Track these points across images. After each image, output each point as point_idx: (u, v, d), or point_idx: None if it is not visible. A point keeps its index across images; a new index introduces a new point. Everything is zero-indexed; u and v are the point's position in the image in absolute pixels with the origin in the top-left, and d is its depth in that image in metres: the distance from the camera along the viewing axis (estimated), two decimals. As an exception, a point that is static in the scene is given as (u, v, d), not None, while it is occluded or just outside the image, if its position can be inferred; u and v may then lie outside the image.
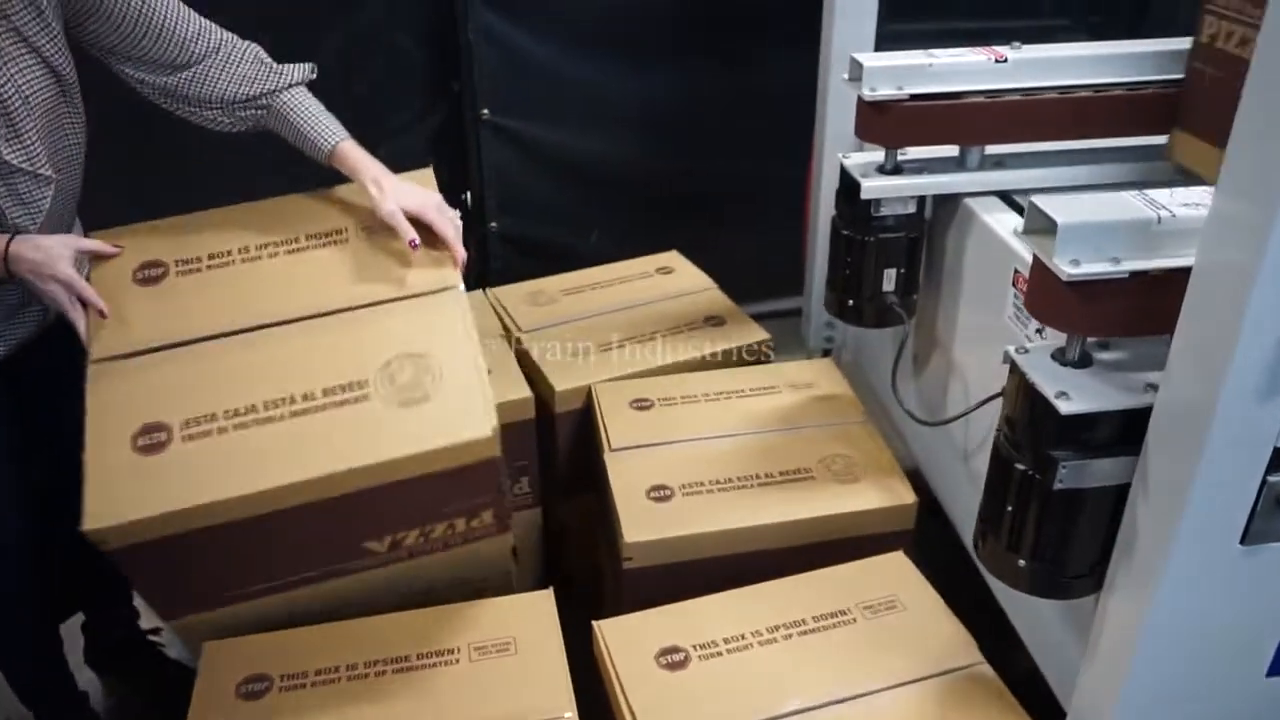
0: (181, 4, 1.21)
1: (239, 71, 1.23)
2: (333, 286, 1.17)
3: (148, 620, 1.64)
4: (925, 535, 1.47)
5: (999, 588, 1.33)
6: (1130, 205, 0.88)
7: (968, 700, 1.09)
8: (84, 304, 1.13)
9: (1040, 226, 0.89)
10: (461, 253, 1.23)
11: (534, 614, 1.18)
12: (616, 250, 2.02)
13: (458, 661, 1.12)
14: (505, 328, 1.78)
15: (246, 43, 1.25)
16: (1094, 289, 0.86)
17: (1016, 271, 1.22)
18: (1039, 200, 0.89)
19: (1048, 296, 0.90)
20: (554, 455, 1.65)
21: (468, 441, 1.05)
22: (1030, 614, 1.25)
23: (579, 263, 1.98)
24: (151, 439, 1.02)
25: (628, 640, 1.18)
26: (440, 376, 1.08)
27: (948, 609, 1.21)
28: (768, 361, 1.74)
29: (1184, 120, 1.21)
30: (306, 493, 1.02)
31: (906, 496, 1.37)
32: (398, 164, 2.03)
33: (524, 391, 1.59)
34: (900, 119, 1.28)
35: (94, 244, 1.21)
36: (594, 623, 1.21)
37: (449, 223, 1.24)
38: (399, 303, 1.15)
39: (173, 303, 1.15)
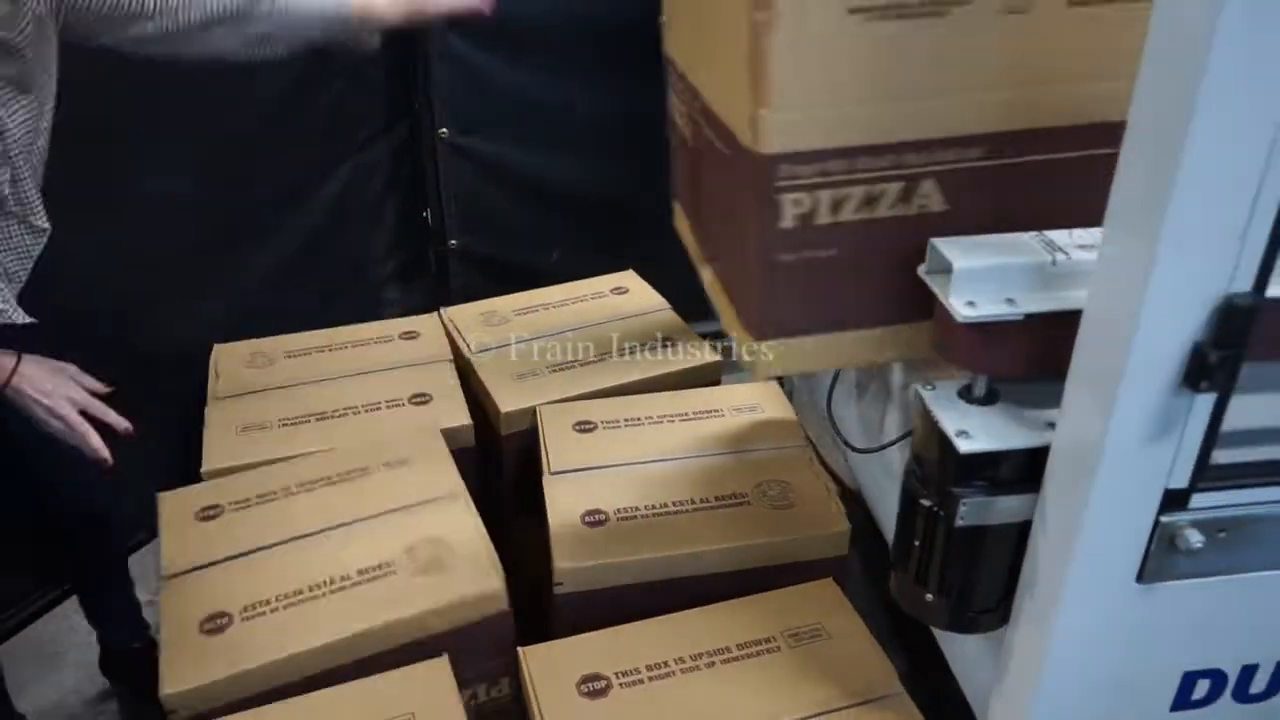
0: None
1: None
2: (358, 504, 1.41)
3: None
4: (870, 558, 1.48)
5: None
6: (1027, 246, 0.88)
7: (884, 730, 1.10)
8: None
9: (939, 267, 0.90)
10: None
11: (430, 684, 1.17)
12: (577, 268, 2.03)
13: None
14: (456, 349, 1.78)
15: None
16: (991, 329, 0.87)
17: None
18: (938, 241, 0.89)
19: (949, 335, 0.90)
20: (501, 477, 1.65)
21: (481, 594, 1.26)
22: (955, 642, 1.25)
23: (539, 281, 1.99)
24: (215, 624, 1.21)
25: (551, 668, 1.18)
26: (452, 552, 1.31)
27: (871, 638, 1.22)
28: (716, 384, 1.75)
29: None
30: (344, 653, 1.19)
31: (840, 524, 1.38)
32: (362, 181, 2.05)
33: (464, 419, 1.59)
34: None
35: (93, 383, 1.22)
36: (519, 649, 1.21)
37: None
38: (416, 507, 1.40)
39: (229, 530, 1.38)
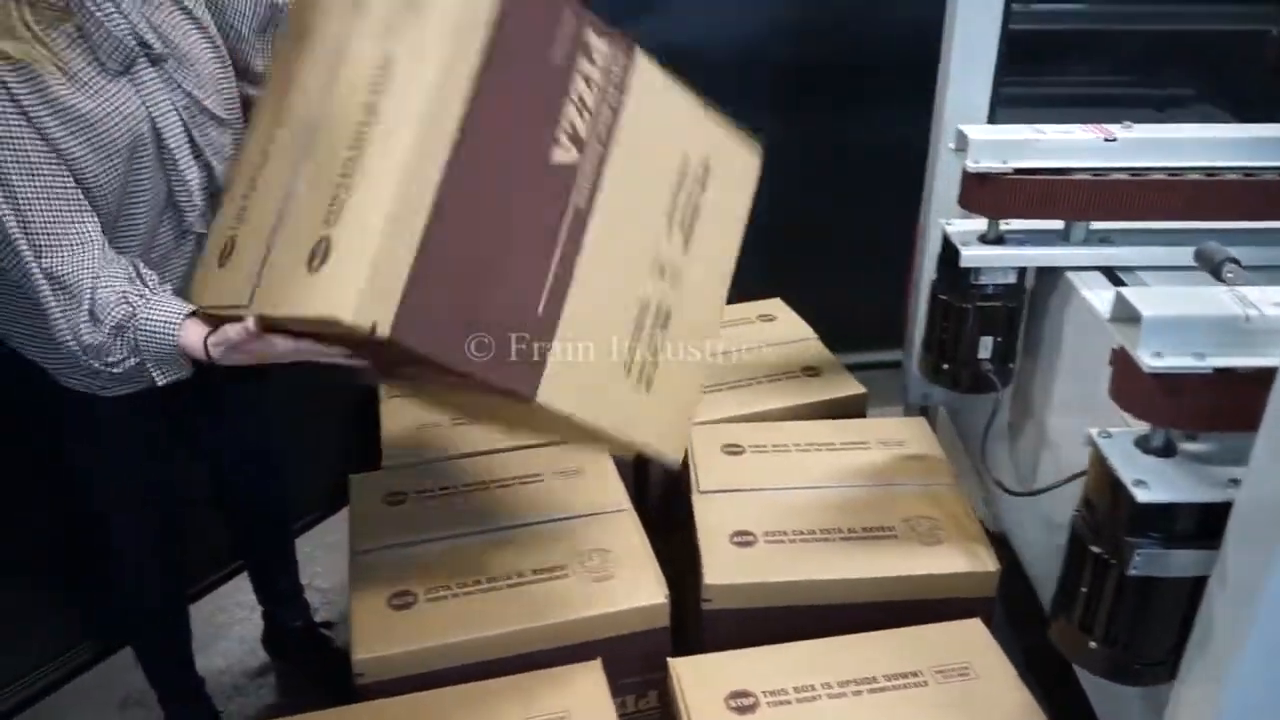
0: None
1: None
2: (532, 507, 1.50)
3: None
4: (1012, 602, 1.47)
5: (1078, 666, 1.33)
6: (1219, 301, 0.89)
7: (1032, 774, 1.10)
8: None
9: (1126, 315, 0.91)
10: None
11: (586, 685, 1.22)
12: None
13: None
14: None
15: None
16: (1177, 382, 0.88)
17: (1115, 352, 1.22)
18: (1127, 292, 0.90)
19: (1131, 385, 0.91)
20: (647, 493, 1.70)
21: (645, 606, 1.32)
22: (1109, 696, 1.24)
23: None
24: (402, 600, 1.31)
25: (701, 680, 1.22)
26: (620, 562, 1.37)
27: (1020, 681, 1.22)
28: (861, 415, 1.76)
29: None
30: (512, 645, 1.27)
31: (989, 564, 1.38)
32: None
33: (621, 429, 1.66)
34: (1003, 191, 1.30)
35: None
36: (669, 660, 1.26)
37: None
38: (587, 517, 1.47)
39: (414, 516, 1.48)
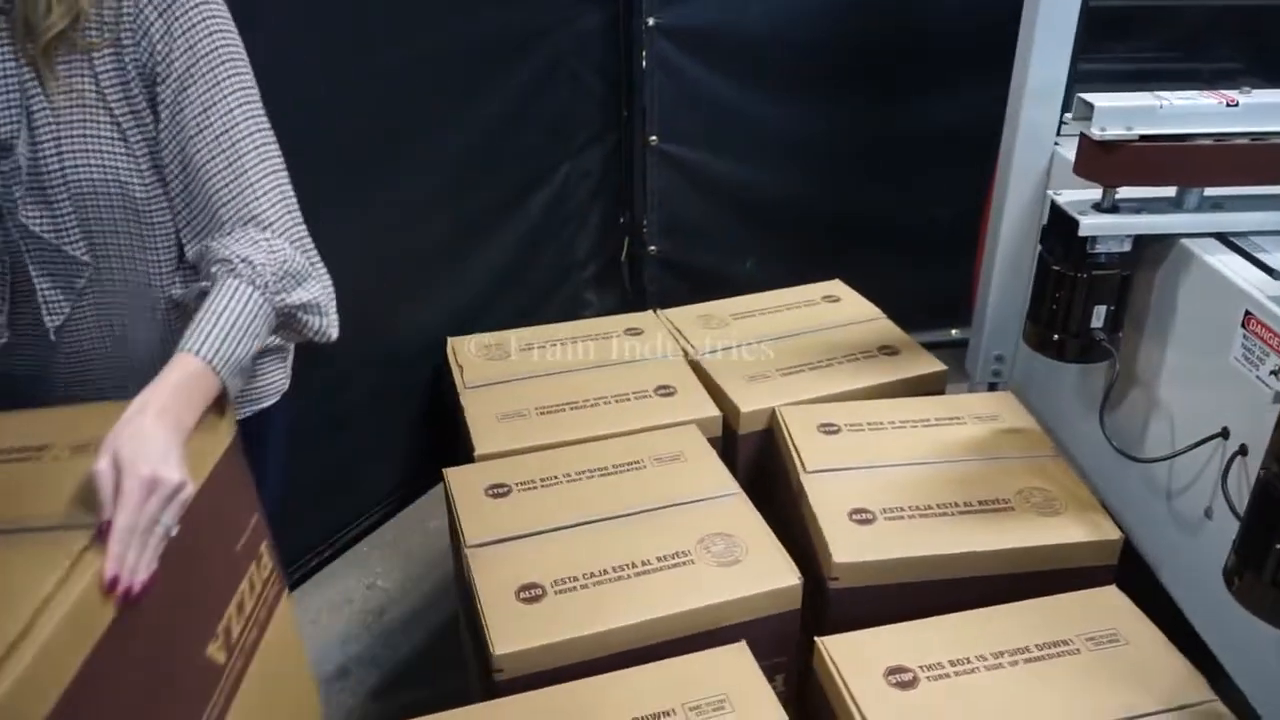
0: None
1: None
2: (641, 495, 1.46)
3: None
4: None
5: (1208, 625, 1.33)
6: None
7: (1209, 736, 1.10)
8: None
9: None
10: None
11: (737, 666, 1.20)
12: (771, 279, 2.05)
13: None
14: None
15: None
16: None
17: (1248, 313, 1.23)
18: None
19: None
20: (735, 477, 1.67)
21: (777, 589, 1.29)
22: (1249, 655, 1.24)
23: (732, 290, 2.02)
24: (531, 593, 1.27)
25: (855, 658, 1.20)
26: (744, 546, 1.34)
27: (1170, 645, 1.22)
28: (941, 393, 1.76)
29: None
30: (648, 634, 1.23)
31: (1112, 532, 1.38)
32: (575, 184, 2.10)
33: (712, 410, 1.63)
34: (1128, 159, 1.30)
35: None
36: (817, 639, 1.23)
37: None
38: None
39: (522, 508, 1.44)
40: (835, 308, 1.96)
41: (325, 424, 1.67)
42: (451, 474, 1.50)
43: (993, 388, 1.94)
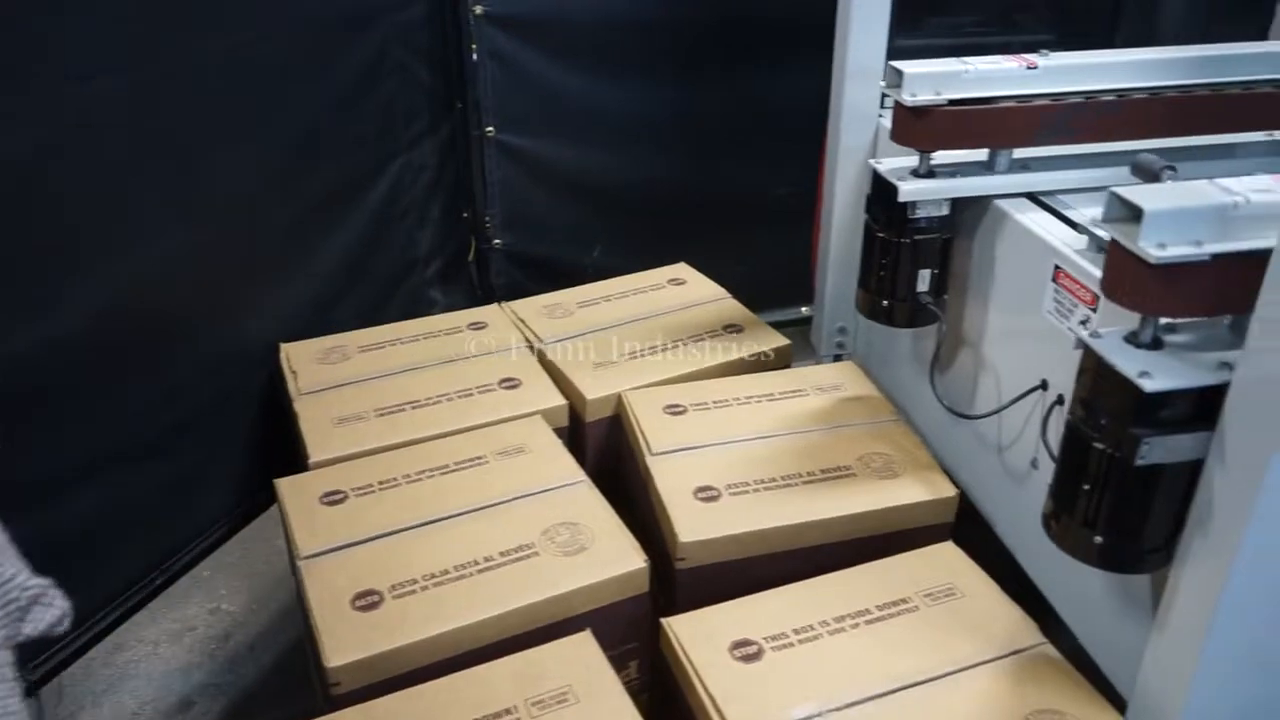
0: None
1: None
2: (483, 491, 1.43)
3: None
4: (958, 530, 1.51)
5: (1040, 572, 1.37)
6: (1207, 192, 0.93)
7: (1038, 678, 1.13)
8: None
9: (1123, 214, 0.93)
10: None
11: (581, 656, 1.18)
12: (619, 265, 2.04)
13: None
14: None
15: None
16: (1177, 272, 0.91)
17: (1058, 268, 1.27)
18: (1122, 190, 0.93)
19: (1129, 281, 0.94)
20: (584, 465, 1.65)
21: (624, 574, 1.27)
22: (1076, 597, 1.29)
23: (581, 279, 2.00)
24: (367, 600, 1.22)
25: (700, 636, 1.19)
26: (590, 534, 1.32)
27: (1004, 594, 1.25)
28: (787, 367, 1.78)
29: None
30: (494, 630, 1.20)
31: (947, 490, 1.41)
32: (411, 180, 2.04)
33: (558, 399, 1.61)
34: (939, 124, 1.33)
35: None
36: (663, 620, 1.22)
37: None
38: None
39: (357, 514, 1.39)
40: (681, 290, 1.96)
41: (154, 440, 1.58)
42: (283, 484, 1.43)
43: (838, 360, 1.97)
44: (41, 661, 1.50)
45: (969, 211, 1.46)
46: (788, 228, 2.05)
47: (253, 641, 1.77)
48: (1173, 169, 1.13)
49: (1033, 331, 1.33)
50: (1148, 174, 1.15)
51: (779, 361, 1.77)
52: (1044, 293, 1.30)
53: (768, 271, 2.17)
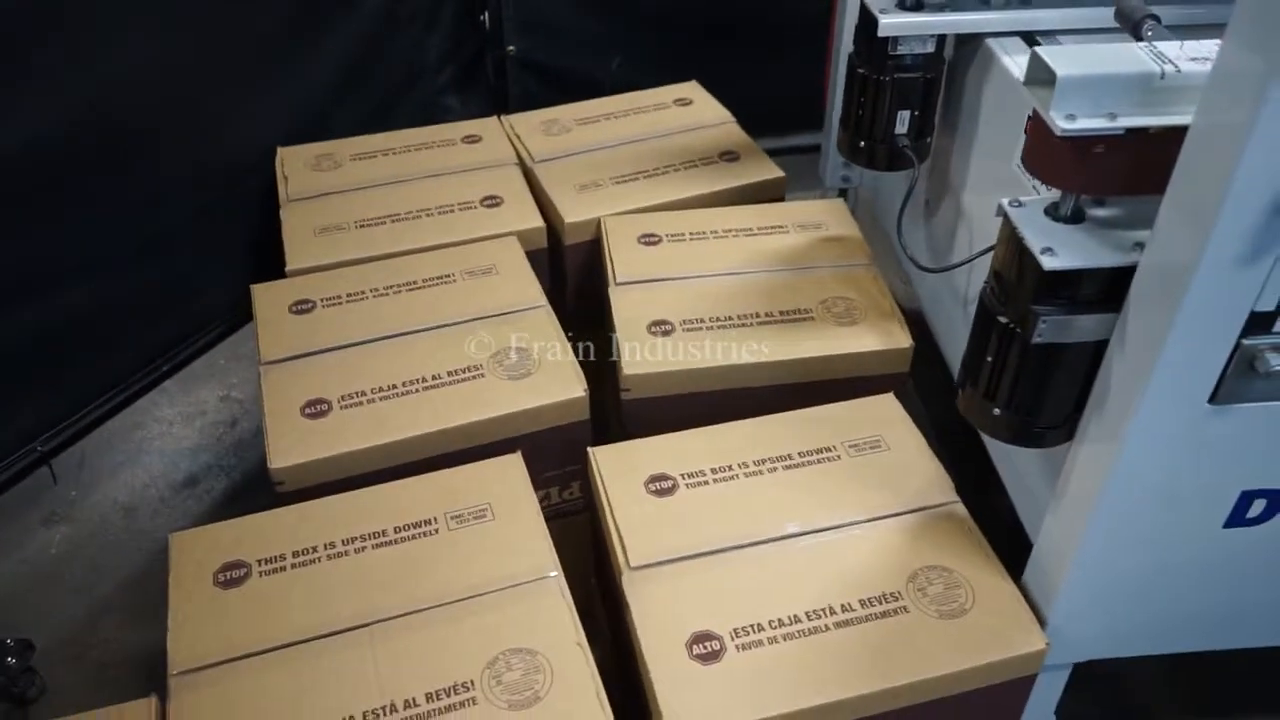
0: None
1: None
2: (445, 309, 1.41)
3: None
4: (924, 380, 1.50)
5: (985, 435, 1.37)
6: (1135, 58, 0.85)
7: (937, 535, 1.15)
8: None
9: (1041, 77, 0.87)
10: None
11: (507, 477, 1.22)
12: (639, 79, 1.98)
13: (436, 532, 1.15)
14: (519, 156, 1.77)
15: None
16: (1089, 145, 0.85)
17: (1029, 118, 1.19)
18: (1042, 50, 0.86)
19: (1043, 151, 0.89)
20: (563, 288, 1.67)
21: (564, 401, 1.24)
22: (1011, 461, 1.29)
23: (599, 91, 1.95)
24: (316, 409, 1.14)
25: (620, 467, 1.23)
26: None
27: (929, 450, 1.25)
28: (780, 200, 1.73)
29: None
30: (433, 446, 1.16)
31: (903, 340, 1.39)
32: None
33: (536, 221, 1.61)
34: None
35: None
36: (589, 449, 1.27)
37: None
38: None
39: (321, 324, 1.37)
40: (685, 111, 1.90)
41: (173, 229, 1.65)
42: (258, 290, 1.49)
43: (843, 193, 1.91)
44: (62, 429, 1.65)
45: (962, 50, 1.37)
46: (816, 48, 1.94)
47: (256, 429, 1.89)
48: (1155, 19, 1.03)
49: (1007, 184, 1.28)
50: (1128, 22, 1.05)
51: (772, 193, 1.73)
52: (1018, 144, 1.23)
53: (792, 91, 2.08)
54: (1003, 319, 0.96)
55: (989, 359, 0.99)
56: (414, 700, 0.98)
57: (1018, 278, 0.94)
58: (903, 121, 1.37)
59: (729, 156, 1.77)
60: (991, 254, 1.08)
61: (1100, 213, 0.95)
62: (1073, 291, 0.91)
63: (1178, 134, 0.81)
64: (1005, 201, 0.96)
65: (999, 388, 1.00)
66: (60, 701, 1.45)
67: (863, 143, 1.41)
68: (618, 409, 1.41)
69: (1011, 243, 0.94)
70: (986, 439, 1.35)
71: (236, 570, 1.11)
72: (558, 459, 1.36)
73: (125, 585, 1.60)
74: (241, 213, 1.79)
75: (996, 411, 1.02)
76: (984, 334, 1.00)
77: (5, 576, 1.61)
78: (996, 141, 1.30)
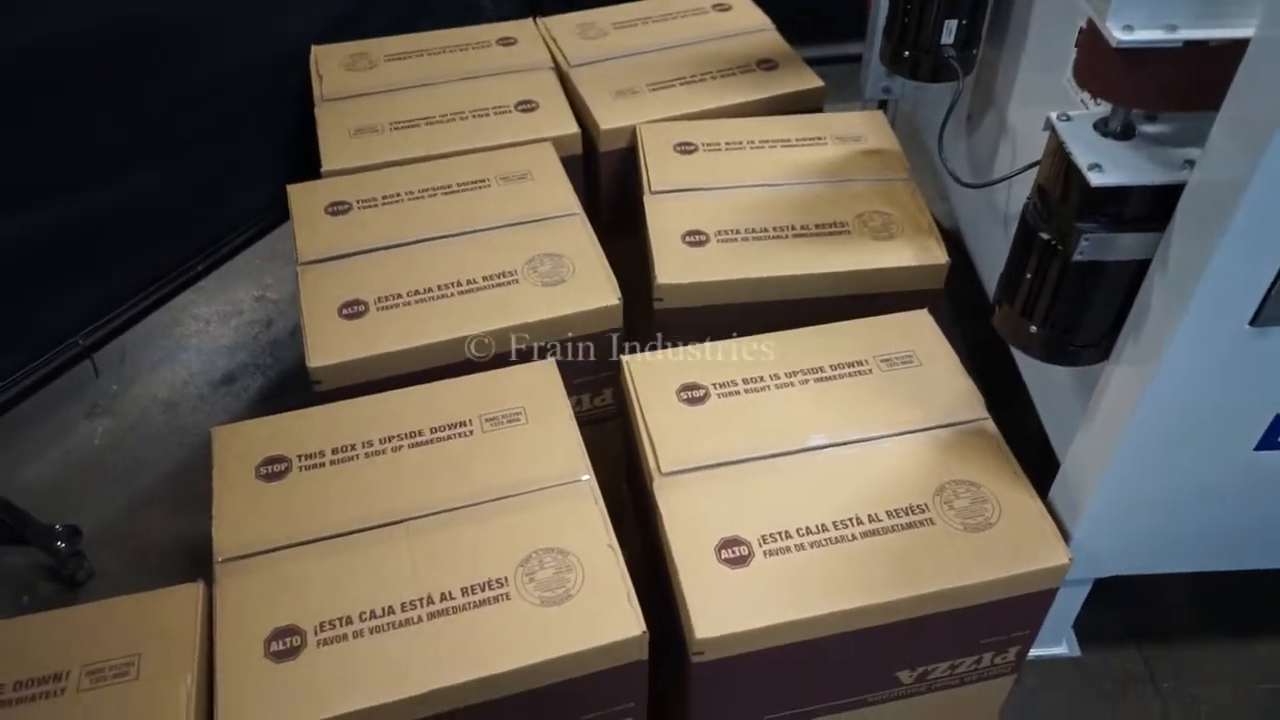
0: None
1: None
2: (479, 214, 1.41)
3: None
4: (959, 299, 1.49)
5: (1018, 352, 1.37)
6: (1198, -33, 0.83)
7: (966, 450, 1.15)
8: None
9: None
10: None
11: (541, 382, 1.23)
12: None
13: (471, 433, 1.17)
14: (554, 60, 1.75)
15: None
16: (1144, 57, 0.83)
17: (1082, 29, 1.16)
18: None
19: (1096, 62, 0.87)
20: (597, 195, 1.67)
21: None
22: (1043, 379, 1.29)
23: (635, -9, 1.90)
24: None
25: (653, 375, 1.25)
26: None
27: (961, 367, 1.25)
28: (818, 110, 1.70)
29: None
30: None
31: (940, 256, 1.38)
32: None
33: (572, 127, 1.60)
34: None
35: None
36: (623, 357, 1.28)
37: None
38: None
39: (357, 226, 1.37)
40: (724, 17, 1.85)
41: (209, 127, 1.64)
42: (295, 190, 1.49)
43: (883, 105, 1.88)
44: (103, 324, 1.67)
45: (1014, -45, 1.33)
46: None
47: (293, 328, 1.92)
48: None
49: (1055, 98, 1.25)
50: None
51: (810, 103, 1.70)
52: (1068, 56, 1.20)
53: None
54: (1044, 235, 0.96)
55: (1028, 275, 0.99)
56: (449, 593, 1.02)
57: (1062, 193, 0.93)
58: (949, 31, 1.33)
59: (767, 65, 1.74)
60: (1034, 170, 1.07)
61: (1150, 129, 0.93)
62: (1118, 209, 0.90)
63: (1238, 48, 0.79)
64: (1053, 115, 0.95)
65: (1036, 305, 1.00)
66: (105, 585, 1.51)
67: (907, 53, 1.38)
68: (649, 318, 1.42)
69: (1058, 158, 0.93)
70: (1019, 357, 1.35)
71: (277, 464, 1.14)
72: (589, 366, 1.38)
73: (165, 478, 1.65)
74: (276, 112, 1.78)
75: (1033, 329, 1.02)
76: (1024, 250, 0.99)
77: (51, 466, 1.66)
78: (1046, 53, 1.27)
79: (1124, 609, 1.45)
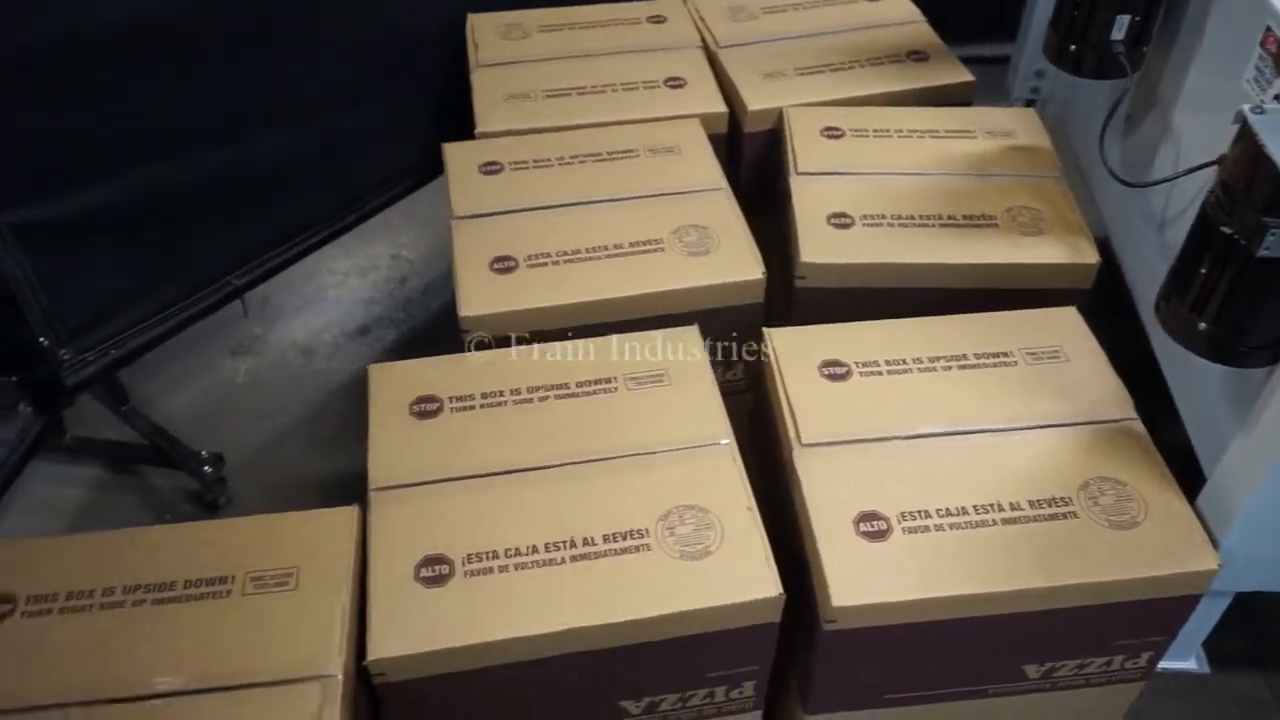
0: None
1: None
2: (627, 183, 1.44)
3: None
4: (1100, 301, 1.47)
5: (1166, 356, 1.34)
6: None
7: (1112, 447, 1.14)
8: None
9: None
10: None
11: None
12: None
13: (615, 390, 1.20)
14: (703, 39, 1.77)
15: None
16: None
17: (1268, 30, 1.13)
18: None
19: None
20: (739, 173, 1.68)
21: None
22: (1192, 386, 1.26)
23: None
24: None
25: (795, 349, 1.25)
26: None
27: (1110, 367, 1.23)
28: (968, 104, 1.69)
29: None
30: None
31: (1090, 255, 1.36)
32: None
33: (719, 105, 1.61)
34: None
35: None
36: (765, 329, 1.29)
37: None
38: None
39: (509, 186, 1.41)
40: (873, 7, 1.85)
41: (363, 86, 1.70)
42: (450, 149, 1.54)
43: (1029, 105, 1.85)
44: (250, 269, 1.75)
45: (1194, -47, 1.30)
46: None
47: (425, 287, 1.98)
48: None
49: (1227, 101, 1.22)
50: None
51: (959, 97, 1.69)
52: (1250, 58, 1.18)
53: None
54: (1226, 229, 0.94)
55: (1202, 270, 0.97)
56: (591, 539, 1.04)
57: (1248, 187, 0.91)
58: (1120, 26, 1.31)
59: (917, 56, 1.73)
60: (1200, 173, 1.05)
61: (1350, 127, 0.91)
62: (1311, 206, 0.88)
63: None
64: (1247, 108, 0.93)
65: (1209, 301, 0.98)
66: (242, 513, 1.57)
67: (1073, 46, 1.36)
68: (787, 299, 1.42)
69: (1250, 150, 0.91)
70: (1166, 363, 1.32)
71: (430, 404, 1.18)
72: (728, 334, 1.38)
73: (304, 418, 1.72)
74: (430, 76, 1.83)
75: (1202, 325, 1.00)
76: (1202, 245, 0.97)
77: (198, 397, 1.75)
78: (1221, 55, 1.24)
79: (1253, 635, 1.41)
